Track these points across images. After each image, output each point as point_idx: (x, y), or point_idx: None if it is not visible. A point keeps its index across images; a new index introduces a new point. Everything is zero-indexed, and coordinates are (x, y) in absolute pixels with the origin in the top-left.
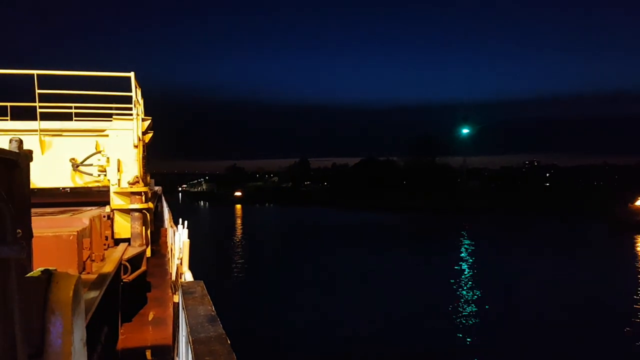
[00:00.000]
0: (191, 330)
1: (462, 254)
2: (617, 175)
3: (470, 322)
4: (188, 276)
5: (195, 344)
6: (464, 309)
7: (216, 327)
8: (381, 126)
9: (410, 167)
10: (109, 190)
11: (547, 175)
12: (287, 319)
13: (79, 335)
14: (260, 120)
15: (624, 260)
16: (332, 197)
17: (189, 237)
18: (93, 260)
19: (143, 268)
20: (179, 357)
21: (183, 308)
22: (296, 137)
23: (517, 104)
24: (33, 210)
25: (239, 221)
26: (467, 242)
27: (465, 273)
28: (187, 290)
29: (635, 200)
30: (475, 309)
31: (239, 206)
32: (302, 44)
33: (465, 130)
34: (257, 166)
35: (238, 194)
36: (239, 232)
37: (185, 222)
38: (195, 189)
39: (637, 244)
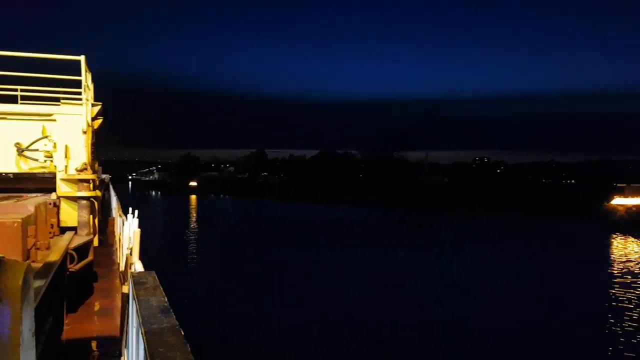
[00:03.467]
0: (143, 321)
1: (425, 249)
2: (564, 173)
3: (428, 316)
4: (138, 267)
5: (148, 335)
6: (423, 304)
7: (169, 318)
8: (340, 120)
9: (369, 160)
10: (55, 177)
11: (498, 171)
12: (241, 311)
13: (28, 325)
14: (216, 109)
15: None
16: (290, 189)
17: (139, 227)
18: (38, 249)
19: (90, 257)
20: (129, 349)
21: (134, 298)
22: (253, 128)
23: (467, 102)
24: None
25: (193, 212)
26: (431, 237)
27: (426, 268)
28: (138, 280)
29: (611, 199)
30: (432, 304)
31: (193, 196)
32: (264, 33)
33: (425, 126)
34: (213, 156)
35: (193, 183)
36: (193, 223)
37: (136, 212)
38: (147, 178)
39: (620, 243)
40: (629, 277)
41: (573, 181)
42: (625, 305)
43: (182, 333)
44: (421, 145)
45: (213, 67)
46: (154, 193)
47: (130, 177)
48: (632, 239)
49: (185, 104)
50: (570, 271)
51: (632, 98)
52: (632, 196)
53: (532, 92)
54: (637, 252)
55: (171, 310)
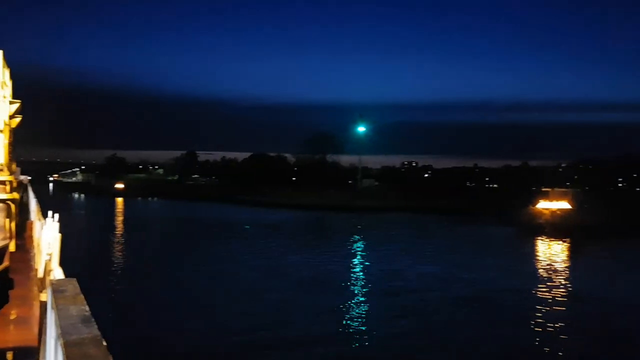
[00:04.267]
0: (62, 332)
1: (352, 251)
2: (487, 177)
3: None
4: (58, 273)
5: (67, 346)
6: (338, 307)
7: (91, 329)
8: (273, 122)
9: (302, 163)
10: None
11: (425, 175)
12: (166, 319)
13: None
14: (144, 109)
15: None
16: (221, 191)
17: (60, 232)
18: None
19: (6, 263)
20: None
21: (52, 307)
22: (183, 129)
23: (397, 108)
24: None
25: (119, 215)
26: (359, 239)
27: (352, 271)
28: (57, 288)
29: (537, 202)
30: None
31: (119, 199)
32: (193, 32)
33: (361, 129)
34: (140, 157)
35: (119, 185)
36: (118, 227)
37: (56, 215)
38: (69, 180)
39: (541, 245)
40: (551, 278)
41: (495, 185)
42: (544, 307)
43: (104, 344)
44: (353, 149)
45: (141, 66)
46: (77, 195)
47: (51, 179)
48: (557, 241)
49: (111, 103)
50: (493, 272)
51: (549, 108)
52: (557, 200)
53: (458, 100)
54: (560, 253)
55: (93, 320)
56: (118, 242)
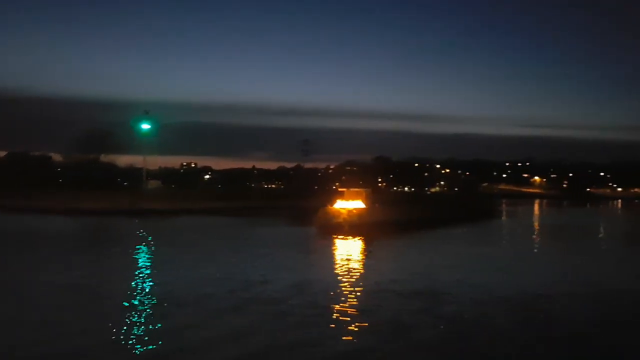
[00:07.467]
0: None
1: (145, 260)
2: (264, 178)
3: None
4: None
5: None
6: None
7: None
8: (41, 118)
9: (72, 164)
10: None
11: (206, 177)
12: None
13: None
14: None
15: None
16: None
17: None
18: None
19: None
20: None
21: None
22: None
23: (175, 107)
24: None
25: None
26: (152, 246)
27: (154, 282)
28: None
29: (334, 202)
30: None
31: None
32: None
33: (145, 126)
34: None
35: None
36: None
37: None
38: None
39: (342, 243)
40: (351, 272)
41: (273, 186)
42: (344, 298)
43: None
44: (131, 149)
45: None
46: None
47: None
48: (355, 238)
49: None
50: (297, 271)
51: (321, 114)
52: (352, 199)
53: (236, 103)
54: (358, 249)
55: None
56: None
